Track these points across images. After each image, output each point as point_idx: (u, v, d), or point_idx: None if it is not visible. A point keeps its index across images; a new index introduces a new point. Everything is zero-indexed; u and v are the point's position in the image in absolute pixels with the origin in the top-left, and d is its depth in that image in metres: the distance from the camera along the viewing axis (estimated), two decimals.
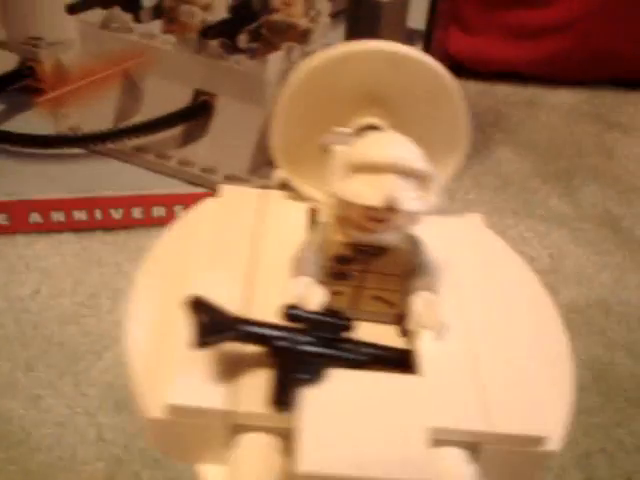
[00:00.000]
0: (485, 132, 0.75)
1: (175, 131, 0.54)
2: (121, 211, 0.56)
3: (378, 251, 0.23)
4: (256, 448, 0.20)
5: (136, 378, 0.21)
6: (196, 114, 0.54)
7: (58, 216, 0.56)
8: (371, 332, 0.24)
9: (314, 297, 0.22)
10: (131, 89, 0.52)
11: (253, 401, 0.20)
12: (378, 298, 0.24)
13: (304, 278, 0.23)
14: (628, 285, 0.57)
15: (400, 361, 0.23)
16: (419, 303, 0.23)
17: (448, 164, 0.28)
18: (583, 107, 0.81)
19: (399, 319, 0.24)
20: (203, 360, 0.20)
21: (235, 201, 0.28)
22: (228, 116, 0.53)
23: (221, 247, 0.25)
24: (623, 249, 0.61)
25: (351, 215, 0.23)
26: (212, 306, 0.19)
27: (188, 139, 0.55)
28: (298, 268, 0.23)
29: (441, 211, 0.30)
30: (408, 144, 0.22)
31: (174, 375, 0.20)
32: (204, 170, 0.56)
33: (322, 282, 0.23)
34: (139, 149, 0.54)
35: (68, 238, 0.57)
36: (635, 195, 0.68)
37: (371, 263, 0.24)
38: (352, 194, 0.22)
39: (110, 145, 0.54)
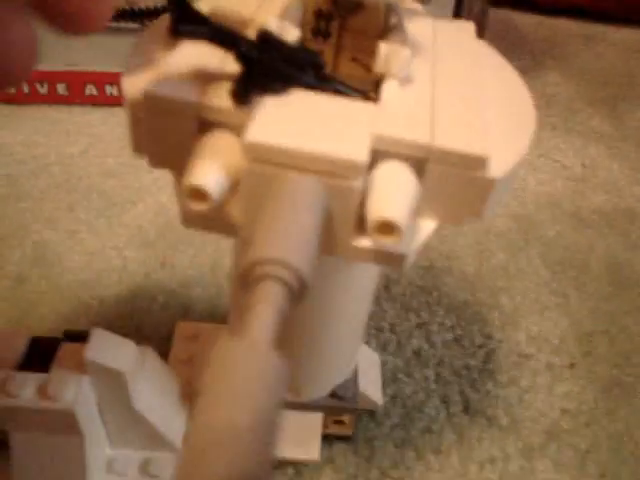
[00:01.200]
0: (536, 58, 0.75)
1: None
2: None
3: (356, 6, 0.25)
4: (216, 138, 0.22)
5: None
6: None
7: (112, 90, 0.60)
8: None
9: (289, 32, 0.24)
10: None
11: (217, 97, 0.22)
12: (356, 60, 0.26)
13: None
14: None
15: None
16: (387, 47, 0.24)
17: None
18: None
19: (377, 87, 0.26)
20: (182, 64, 0.23)
21: None
22: None
23: None
24: None
25: None
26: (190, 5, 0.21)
27: None
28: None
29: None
30: None
31: (155, 70, 0.22)
32: None
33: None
34: None
35: (119, 111, 0.61)
36: None
37: (349, 19, 0.25)
38: None
39: None
